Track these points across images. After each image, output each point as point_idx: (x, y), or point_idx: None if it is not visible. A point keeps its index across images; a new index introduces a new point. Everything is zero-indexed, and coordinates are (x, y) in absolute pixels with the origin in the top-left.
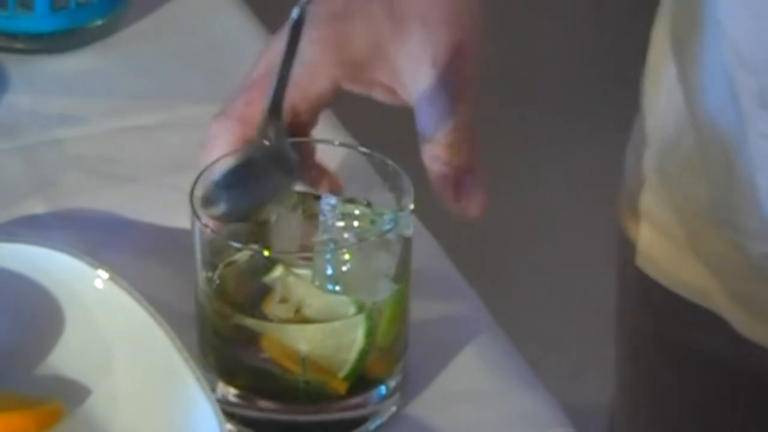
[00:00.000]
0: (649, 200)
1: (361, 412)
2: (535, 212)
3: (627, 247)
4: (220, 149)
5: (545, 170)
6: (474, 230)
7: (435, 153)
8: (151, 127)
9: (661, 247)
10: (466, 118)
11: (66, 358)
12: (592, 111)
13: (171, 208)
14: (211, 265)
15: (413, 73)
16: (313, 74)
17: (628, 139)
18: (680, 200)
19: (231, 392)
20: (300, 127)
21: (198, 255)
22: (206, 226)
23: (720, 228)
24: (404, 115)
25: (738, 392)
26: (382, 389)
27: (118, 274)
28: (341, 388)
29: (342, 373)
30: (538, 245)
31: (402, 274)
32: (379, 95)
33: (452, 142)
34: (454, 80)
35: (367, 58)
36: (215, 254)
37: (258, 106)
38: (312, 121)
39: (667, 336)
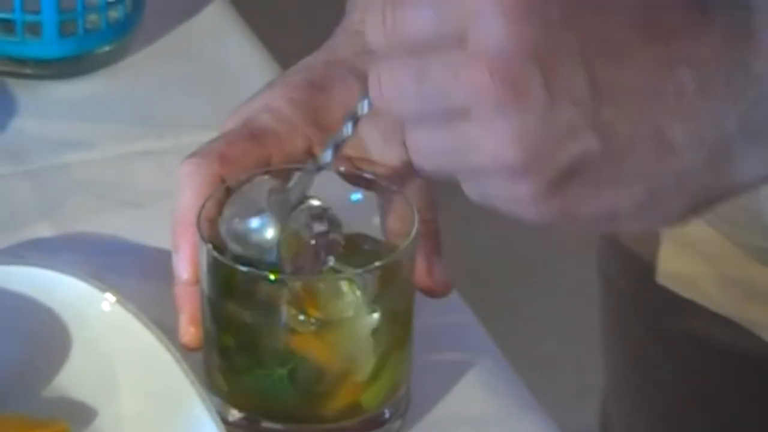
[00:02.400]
0: None
1: None
2: (532, 237)
3: (609, 243)
4: (194, 188)
5: None
6: (472, 255)
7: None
8: (157, 152)
9: (648, 239)
10: (431, 205)
11: (72, 380)
12: None
13: None
14: (218, 289)
15: (384, 153)
16: (291, 132)
17: None
18: None
19: (236, 415)
20: None
21: (204, 279)
22: (213, 250)
23: (711, 220)
24: None
25: (731, 376)
26: (386, 412)
27: (125, 298)
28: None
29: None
30: (538, 269)
31: (406, 294)
32: (343, 175)
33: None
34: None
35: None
36: (222, 278)
37: (239, 147)
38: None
39: (653, 324)
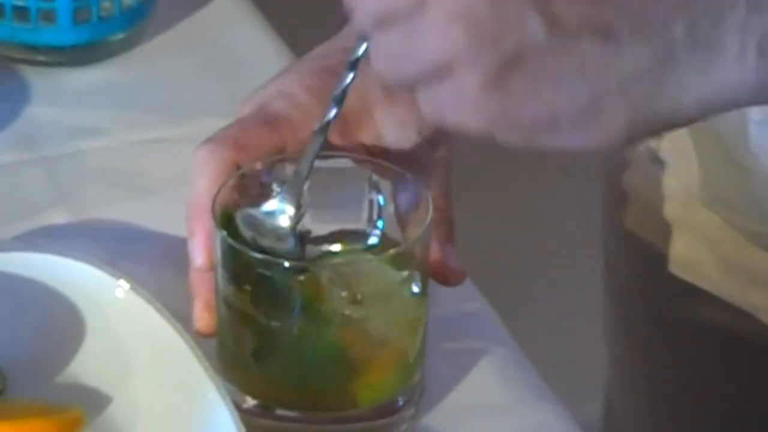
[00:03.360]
0: (637, 179)
1: (379, 422)
2: (544, 227)
3: (613, 227)
4: (209, 174)
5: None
6: (483, 247)
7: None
8: (171, 140)
9: (648, 222)
10: (446, 193)
11: (87, 366)
12: None
13: None
14: (232, 276)
15: (398, 143)
16: (306, 118)
17: None
18: (672, 180)
19: (251, 402)
20: None
21: (219, 266)
22: (227, 236)
23: (711, 206)
24: None
25: (734, 363)
26: (400, 400)
27: (138, 285)
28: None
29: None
30: (548, 261)
31: (420, 281)
32: (357, 162)
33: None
34: (439, 156)
35: (354, 118)
36: (237, 265)
37: (253, 133)
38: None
39: (657, 312)
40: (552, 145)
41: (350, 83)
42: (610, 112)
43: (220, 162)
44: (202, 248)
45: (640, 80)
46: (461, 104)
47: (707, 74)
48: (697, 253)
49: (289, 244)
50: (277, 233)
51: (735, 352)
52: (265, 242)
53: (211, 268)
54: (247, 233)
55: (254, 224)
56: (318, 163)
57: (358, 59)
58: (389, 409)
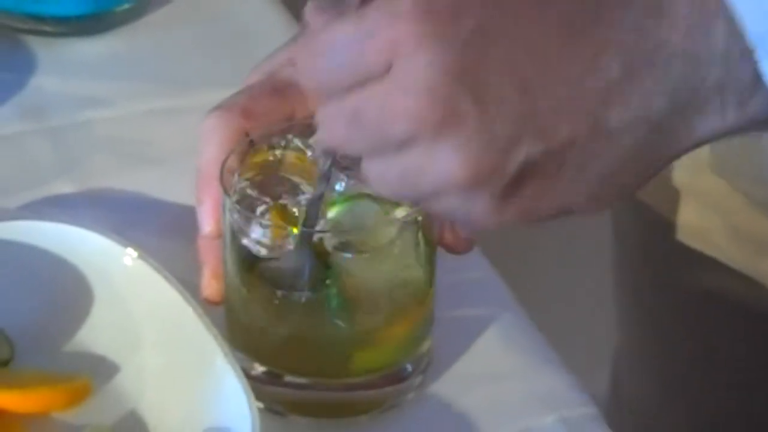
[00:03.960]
0: None
1: (387, 390)
2: None
3: None
4: (217, 142)
5: None
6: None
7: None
8: (178, 109)
9: (656, 188)
10: None
11: (95, 335)
12: None
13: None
14: (239, 243)
15: None
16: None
17: None
18: None
19: (259, 369)
20: None
21: (227, 233)
22: (236, 203)
23: (721, 172)
24: None
25: (741, 328)
26: (408, 367)
27: (146, 253)
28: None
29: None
30: (556, 229)
31: (428, 249)
32: None
33: None
34: None
35: None
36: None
37: (262, 100)
38: None
39: (666, 280)
40: (570, 218)
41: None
42: (619, 183)
43: (228, 130)
44: (210, 216)
45: (640, 153)
46: (475, 218)
47: (692, 130)
48: (705, 220)
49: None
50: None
51: (743, 319)
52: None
53: (219, 235)
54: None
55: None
56: None
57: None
58: (397, 377)
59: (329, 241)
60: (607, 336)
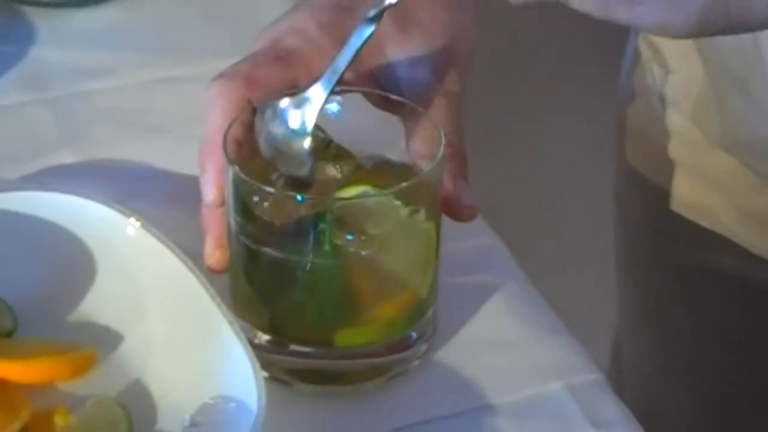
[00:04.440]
0: (652, 125)
1: (392, 358)
2: (553, 166)
3: (626, 172)
4: (221, 110)
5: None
6: (494, 184)
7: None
8: (177, 79)
9: (664, 169)
10: (458, 129)
11: (99, 305)
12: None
13: (197, 159)
14: (243, 212)
15: (411, 78)
16: (318, 53)
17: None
18: (686, 122)
19: (263, 338)
20: None
21: (230, 202)
22: (239, 171)
23: (728, 148)
24: None
25: (744, 309)
26: (413, 335)
27: (149, 223)
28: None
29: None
30: (560, 198)
31: (433, 216)
32: (369, 97)
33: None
34: (451, 92)
35: (366, 54)
36: (249, 199)
37: (265, 68)
38: None
39: (669, 256)
40: (626, 18)
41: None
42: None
43: (231, 98)
44: (214, 184)
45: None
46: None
47: None
48: (709, 198)
49: (305, 168)
50: (298, 156)
51: (746, 295)
52: (283, 168)
53: (223, 203)
54: (267, 153)
55: (276, 146)
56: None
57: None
58: (402, 345)
59: (335, 230)
60: (609, 304)
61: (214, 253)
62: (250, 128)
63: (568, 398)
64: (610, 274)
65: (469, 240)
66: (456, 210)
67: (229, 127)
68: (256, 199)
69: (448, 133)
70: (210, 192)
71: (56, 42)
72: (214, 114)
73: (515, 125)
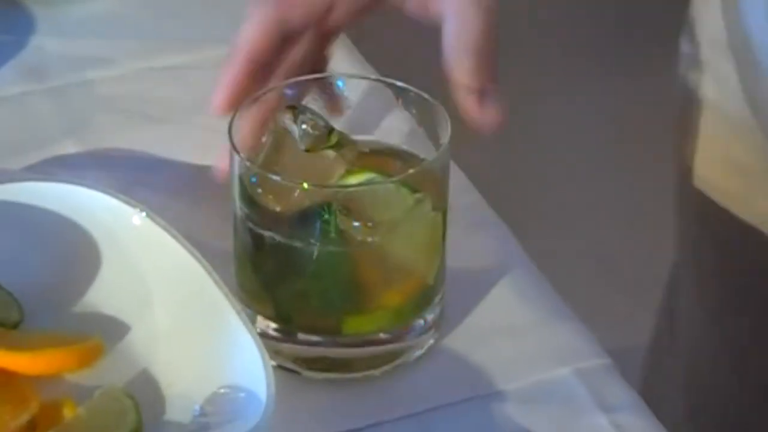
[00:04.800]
0: (719, 131)
1: (400, 345)
2: (559, 153)
3: (687, 180)
4: (256, 28)
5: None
6: (503, 170)
7: (460, 71)
8: (178, 67)
9: (730, 180)
10: (493, 36)
11: (105, 295)
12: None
13: (200, 147)
14: (250, 200)
15: None
16: None
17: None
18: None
19: (271, 326)
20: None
21: (236, 189)
22: (245, 160)
23: None
24: (429, 47)
25: None
26: (421, 322)
27: (153, 212)
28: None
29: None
30: (566, 185)
31: (439, 203)
32: (410, 7)
33: (477, 62)
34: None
35: None
36: (254, 187)
37: None
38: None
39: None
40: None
41: None
42: None
43: (267, 18)
44: (223, 89)
45: None
46: None
47: None
48: None
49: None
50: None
51: None
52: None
53: (229, 110)
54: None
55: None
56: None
57: None
58: (410, 332)
59: (342, 218)
60: (615, 290)
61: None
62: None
63: (577, 383)
64: (613, 260)
65: (475, 226)
66: (479, 119)
67: (234, 115)
68: (261, 187)
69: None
70: (220, 97)
71: (56, 31)
72: (247, 25)
73: (519, 115)
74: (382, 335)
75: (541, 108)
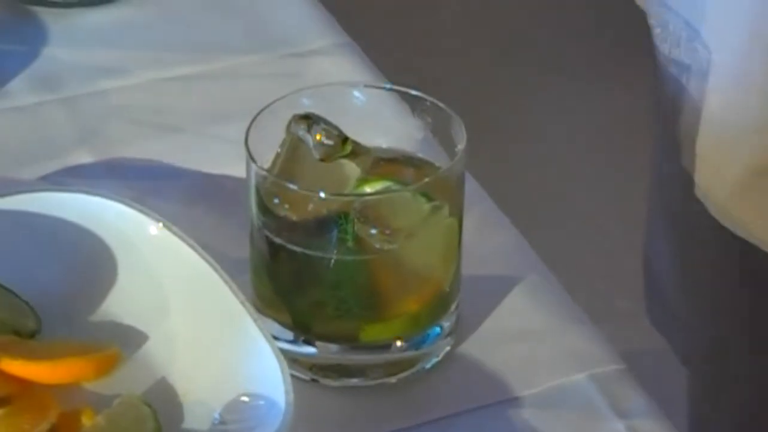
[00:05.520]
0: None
1: (417, 352)
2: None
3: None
4: None
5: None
6: (515, 179)
7: None
8: (191, 77)
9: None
10: None
11: (122, 304)
12: (592, 64)
13: (214, 156)
14: (268, 209)
15: None
16: None
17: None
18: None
19: (288, 335)
20: None
21: (253, 198)
22: (262, 169)
23: None
24: (438, 55)
25: None
26: (437, 329)
27: (168, 221)
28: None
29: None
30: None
31: (454, 210)
32: None
33: None
34: None
35: None
36: (270, 197)
37: None
38: None
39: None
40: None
41: None
42: None
43: None
44: None
45: None
46: None
47: None
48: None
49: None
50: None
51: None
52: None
53: None
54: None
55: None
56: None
57: None
58: (426, 339)
59: (359, 226)
60: (626, 296)
61: None
62: None
63: (593, 388)
64: (620, 264)
65: (489, 233)
66: None
67: (249, 129)
68: (278, 196)
69: None
70: None
71: (69, 42)
72: None
73: (532, 121)
74: (398, 342)
75: (554, 115)
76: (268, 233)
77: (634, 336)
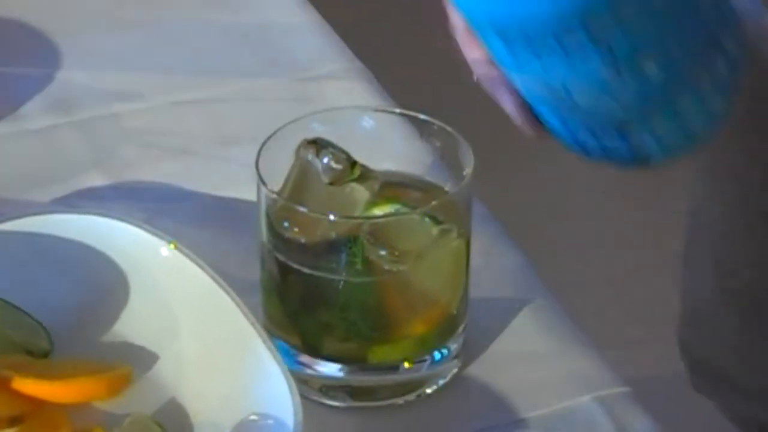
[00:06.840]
0: None
1: (424, 373)
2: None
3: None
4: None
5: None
6: (520, 204)
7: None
8: (204, 100)
9: None
10: None
11: (133, 325)
12: None
13: (225, 179)
14: (278, 232)
15: None
16: None
17: None
18: None
19: (297, 356)
20: None
21: (263, 221)
22: (272, 193)
23: None
24: (445, 79)
25: None
26: (445, 351)
27: (180, 244)
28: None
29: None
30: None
31: (462, 233)
32: None
33: None
34: None
35: None
36: (280, 219)
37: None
38: None
39: None
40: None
41: None
42: None
43: None
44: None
45: None
46: None
47: None
48: None
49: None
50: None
51: None
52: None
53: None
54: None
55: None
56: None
57: None
58: (434, 361)
59: (368, 248)
60: (630, 318)
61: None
62: None
63: (598, 411)
64: (630, 291)
65: (496, 257)
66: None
67: (262, 146)
68: (288, 219)
69: None
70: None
71: (83, 65)
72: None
73: (537, 146)
74: (406, 364)
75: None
76: (278, 255)
77: (643, 362)
